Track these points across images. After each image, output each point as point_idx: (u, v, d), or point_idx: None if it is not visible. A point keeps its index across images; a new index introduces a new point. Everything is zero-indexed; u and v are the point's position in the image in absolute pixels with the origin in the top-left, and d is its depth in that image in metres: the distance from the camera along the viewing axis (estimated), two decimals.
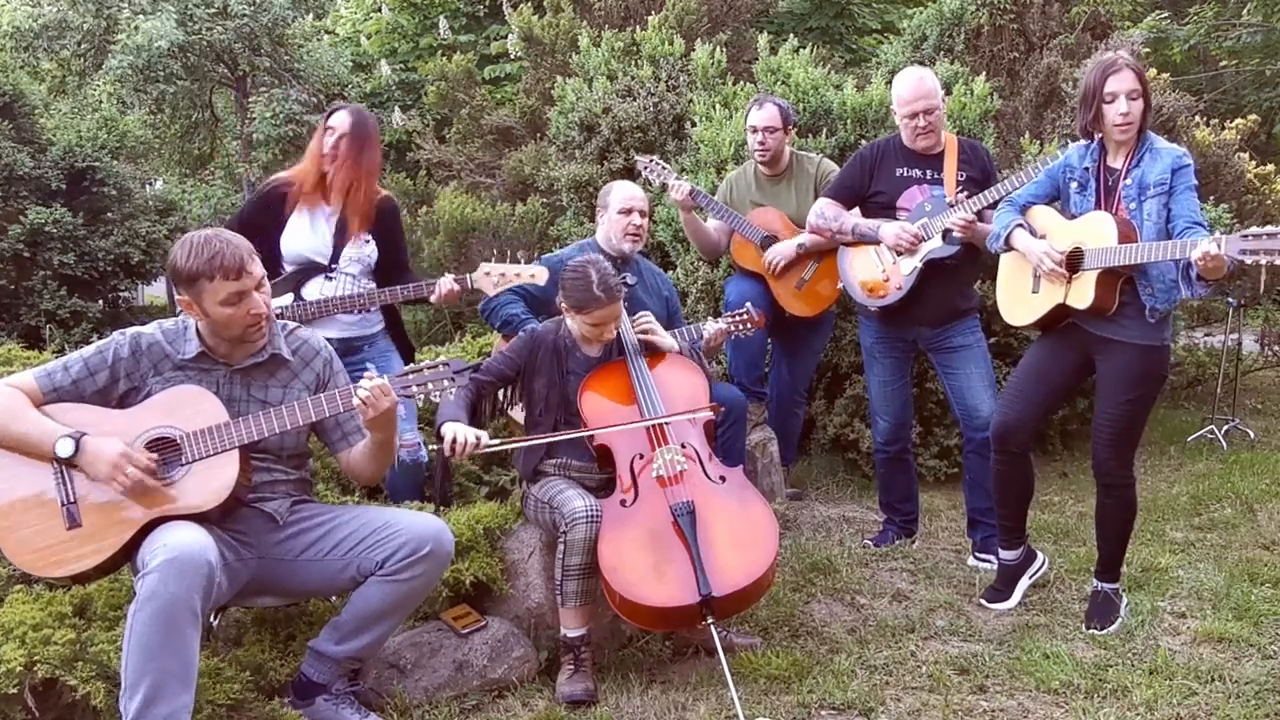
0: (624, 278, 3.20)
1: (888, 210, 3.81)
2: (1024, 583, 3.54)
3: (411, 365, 2.64)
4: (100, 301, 7.71)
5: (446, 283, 3.56)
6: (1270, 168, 8.37)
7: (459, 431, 2.83)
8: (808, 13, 11.08)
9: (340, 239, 3.53)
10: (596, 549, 2.86)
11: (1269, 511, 4.52)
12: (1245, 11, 12.00)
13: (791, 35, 6.70)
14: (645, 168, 4.52)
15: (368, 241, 3.59)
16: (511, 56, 9.93)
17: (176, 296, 2.51)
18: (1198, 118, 7.78)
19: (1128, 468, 3.25)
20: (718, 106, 5.67)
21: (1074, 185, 3.25)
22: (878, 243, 3.79)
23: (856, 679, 2.95)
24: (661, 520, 2.91)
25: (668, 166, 4.54)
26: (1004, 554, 3.54)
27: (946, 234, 3.67)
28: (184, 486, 2.44)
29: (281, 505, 2.65)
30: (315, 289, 3.53)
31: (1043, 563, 3.65)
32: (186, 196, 10.97)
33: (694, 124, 5.80)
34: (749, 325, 3.64)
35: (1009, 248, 3.33)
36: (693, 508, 2.91)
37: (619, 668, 3.07)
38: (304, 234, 3.54)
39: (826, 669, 2.99)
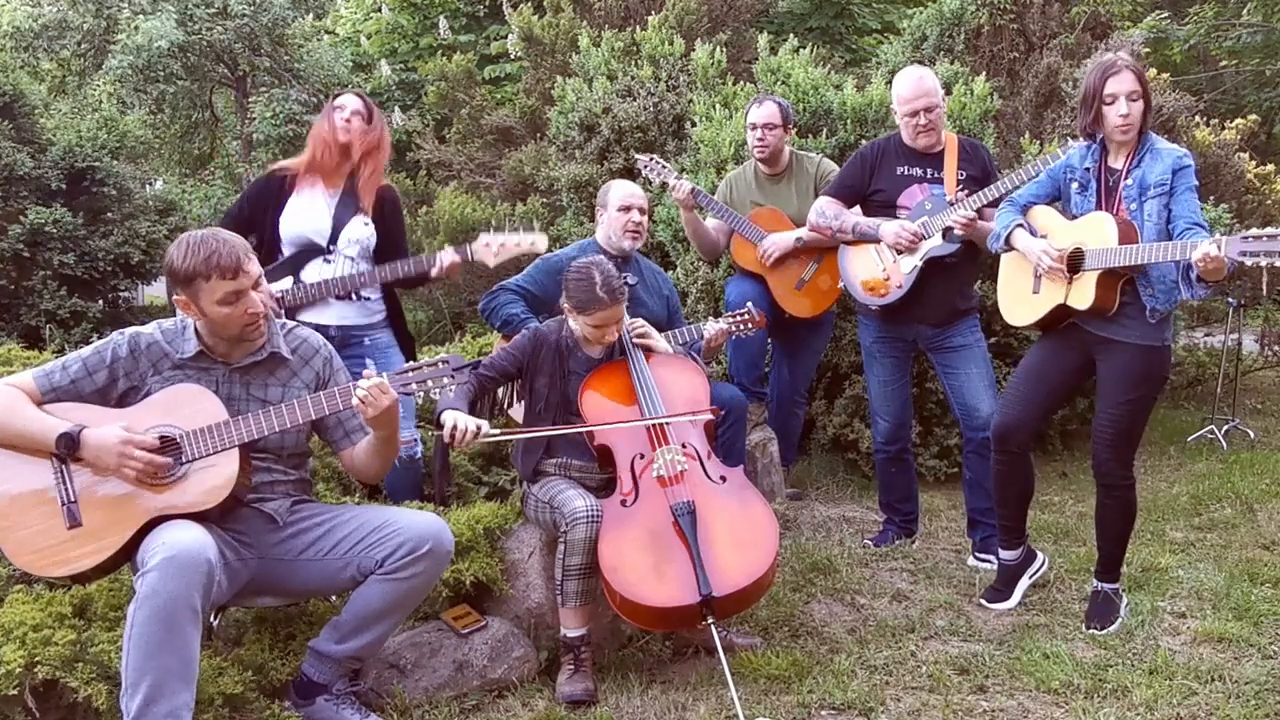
0: (625, 278, 3.20)
1: (888, 209, 3.81)
2: (1024, 583, 3.54)
3: (411, 363, 2.64)
4: (100, 301, 7.71)
5: (447, 255, 3.57)
6: (1270, 168, 8.38)
7: (459, 419, 2.82)
8: (808, 13, 11.08)
9: (341, 218, 3.53)
10: (597, 549, 2.86)
11: (1269, 511, 4.52)
12: (1245, 11, 12.00)
13: (791, 35, 6.70)
14: (645, 166, 4.52)
15: (367, 224, 3.59)
16: (511, 56, 9.93)
17: (174, 297, 2.51)
18: (1198, 118, 7.78)
19: (1128, 468, 3.26)
20: (718, 106, 5.67)
21: (1075, 186, 3.25)
22: (878, 241, 3.79)
23: (856, 679, 2.95)
24: (662, 520, 2.91)
25: (667, 165, 4.54)
26: (1004, 554, 3.54)
27: (947, 232, 3.67)
28: (184, 485, 2.44)
29: (281, 505, 2.65)
30: (314, 272, 3.52)
31: (1043, 563, 3.65)
32: (186, 196, 10.94)
33: (694, 124, 5.80)
34: (750, 325, 3.64)
35: (1009, 247, 3.33)
36: (693, 508, 2.91)
37: (619, 668, 3.07)
38: (303, 214, 3.54)
39: (826, 669, 2.99)
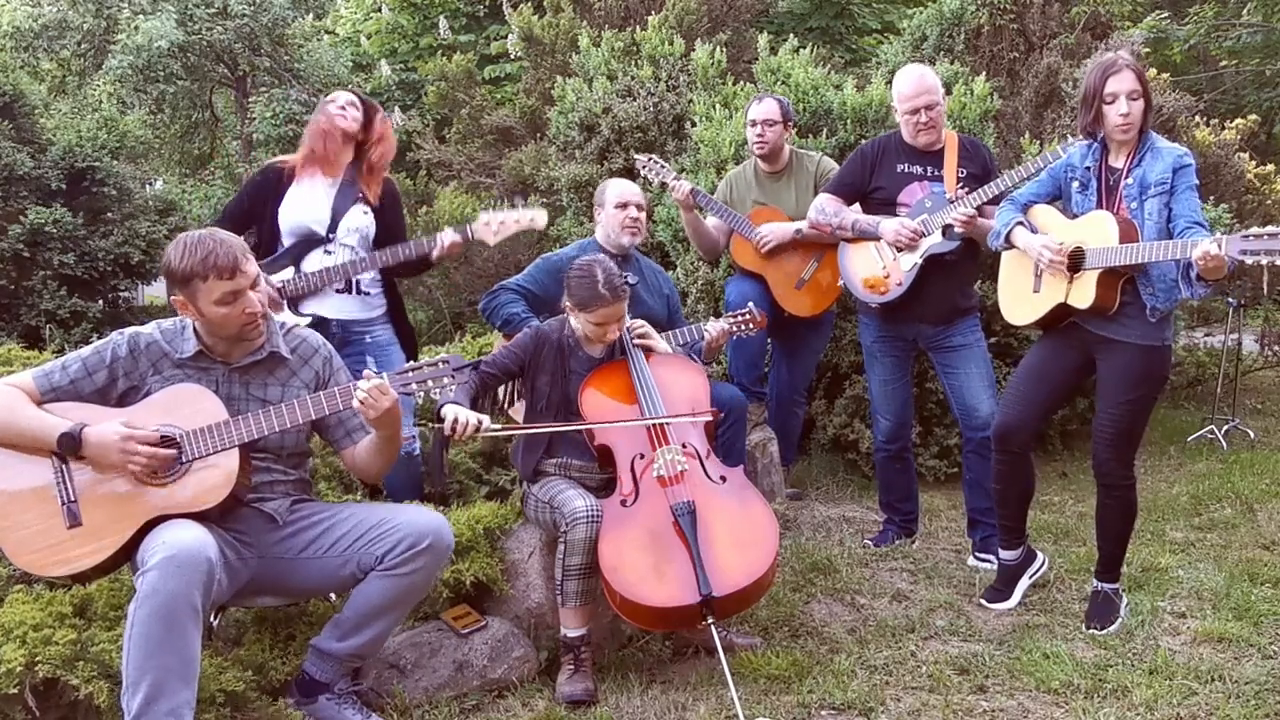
0: (625, 277, 3.20)
1: (888, 206, 3.82)
2: (1024, 583, 3.54)
3: (411, 363, 2.64)
4: (100, 301, 7.70)
5: (447, 235, 3.57)
6: (1270, 168, 8.39)
7: (460, 413, 2.81)
8: (808, 13, 11.08)
9: (341, 207, 3.54)
10: (597, 549, 2.86)
11: (1269, 511, 4.52)
12: (1245, 11, 12.01)
13: (791, 35, 6.70)
14: (644, 167, 4.52)
15: (366, 213, 3.60)
16: (511, 56, 9.94)
17: (171, 297, 2.52)
18: (1198, 118, 7.78)
19: (1128, 468, 3.25)
20: (718, 106, 5.67)
21: (1075, 185, 3.25)
22: (878, 239, 3.79)
23: (856, 679, 2.94)
24: (662, 520, 2.91)
25: (666, 165, 4.54)
26: (1004, 554, 3.54)
27: (947, 230, 3.67)
28: (184, 485, 2.44)
29: (281, 505, 2.65)
30: (315, 262, 3.53)
31: (1043, 563, 3.65)
32: (186, 196, 10.94)
33: (694, 124, 5.80)
34: (751, 325, 3.63)
35: (1010, 245, 3.33)
36: (693, 508, 2.91)
37: (619, 668, 3.07)
38: (302, 204, 3.55)
39: (826, 669, 2.99)
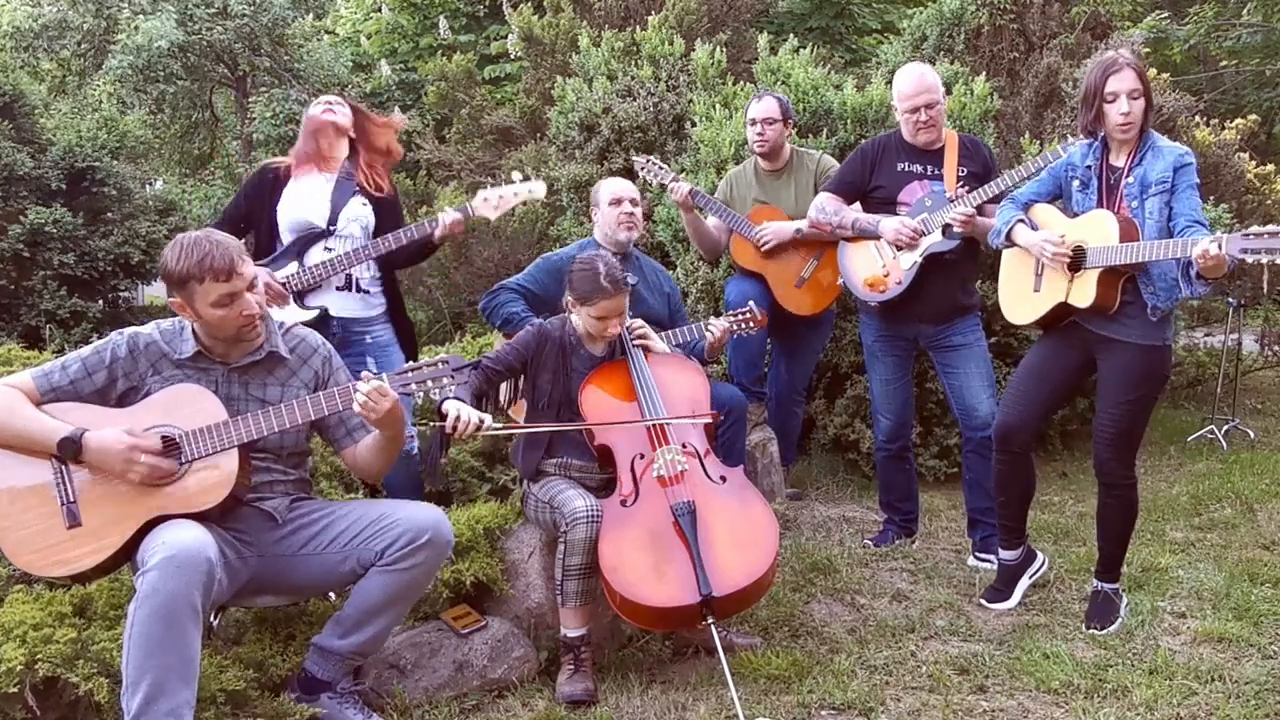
0: (626, 275, 3.21)
1: (888, 205, 3.82)
2: (1024, 583, 3.54)
3: (410, 363, 2.64)
4: (100, 301, 7.70)
5: (448, 215, 3.58)
6: (1270, 168, 8.39)
7: (463, 410, 2.80)
8: (808, 13, 11.09)
9: (339, 200, 3.55)
10: (597, 549, 2.86)
11: (1269, 511, 4.52)
12: (1245, 11, 12.01)
13: (791, 35, 6.70)
14: (643, 168, 4.52)
15: (365, 205, 3.62)
16: (511, 56, 9.94)
17: (169, 299, 2.52)
18: (1198, 118, 7.78)
19: (1129, 468, 3.25)
20: (718, 106, 5.67)
21: (1076, 184, 3.25)
22: (878, 237, 3.79)
23: (856, 679, 2.94)
24: (662, 520, 2.91)
25: (665, 167, 4.54)
26: (1004, 554, 3.54)
27: (946, 229, 3.67)
28: (184, 485, 2.43)
29: (281, 504, 2.65)
30: (318, 256, 3.54)
31: (1043, 563, 3.65)
32: (186, 196, 10.94)
33: (694, 124, 5.80)
34: (751, 324, 3.63)
35: (1010, 243, 3.33)
36: (693, 508, 2.91)
37: (619, 668, 3.07)
38: (300, 200, 3.56)
39: (826, 669, 2.99)
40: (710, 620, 2.77)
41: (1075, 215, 3.23)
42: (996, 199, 3.56)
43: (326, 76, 11.45)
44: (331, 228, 3.54)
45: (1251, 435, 6.01)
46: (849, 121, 5.30)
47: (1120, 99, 3.05)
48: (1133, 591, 3.53)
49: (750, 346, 4.37)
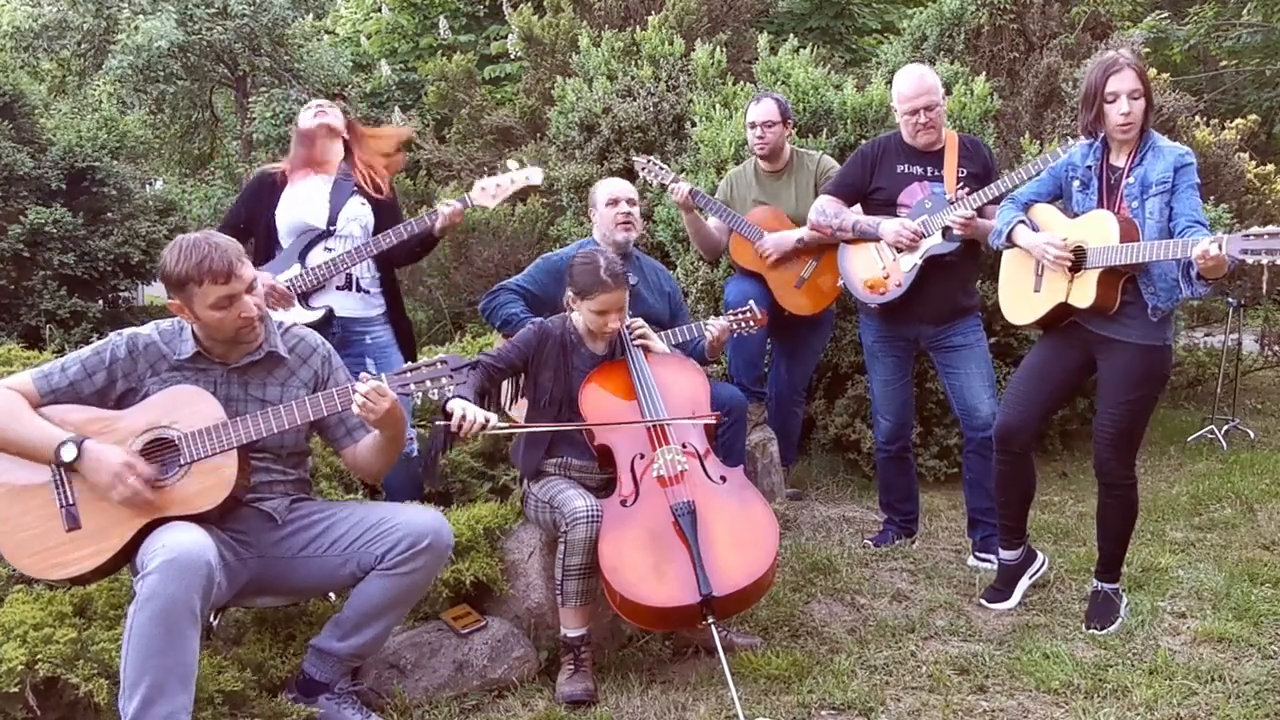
0: (626, 273, 3.22)
1: (888, 207, 3.82)
2: (1024, 583, 3.54)
3: (409, 364, 2.64)
4: (100, 301, 7.70)
5: (447, 206, 3.59)
6: (1270, 168, 8.38)
7: (469, 409, 2.81)
8: (808, 13, 11.08)
9: (338, 201, 3.57)
10: (597, 549, 2.86)
11: (1269, 511, 4.52)
12: (1245, 11, 12.01)
13: (791, 35, 6.70)
14: (643, 168, 4.52)
15: (364, 204, 3.63)
16: (511, 56, 9.94)
17: (167, 300, 2.52)
18: (1198, 118, 7.78)
19: (1129, 468, 3.25)
20: (718, 106, 5.67)
21: (1076, 184, 3.25)
22: (878, 239, 3.79)
23: (856, 679, 2.94)
24: (662, 520, 2.91)
25: (666, 167, 4.54)
26: (1004, 554, 3.54)
27: (946, 231, 3.67)
28: (183, 487, 2.43)
29: (280, 504, 2.64)
30: (319, 257, 3.54)
31: (1043, 563, 3.65)
32: (186, 196, 10.93)
33: (694, 124, 5.80)
34: (751, 322, 3.63)
35: (1011, 244, 3.33)
36: (693, 508, 2.91)
37: (619, 668, 3.07)
38: (299, 203, 3.58)
39: (826, 669, 2.99)
40: (710, 620, 2.77)
41: (1075, 215, 3.23)
42: (996, 201, 3.56)
43: (326, 76, 11.44)
44: (331, 228, 3.55)
45: (1251, 435, 6.01)
46: (849, 121, 5.30)
47: (1121, 99, 3.05)
48: (1133, 591, 3.53)
49: (750, 346, 4.37)
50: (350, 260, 3.52)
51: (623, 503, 2.97)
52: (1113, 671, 2.95)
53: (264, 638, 2.81)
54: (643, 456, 3.06)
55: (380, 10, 12.31)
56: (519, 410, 3.40)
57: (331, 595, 2.86)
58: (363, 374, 2.53)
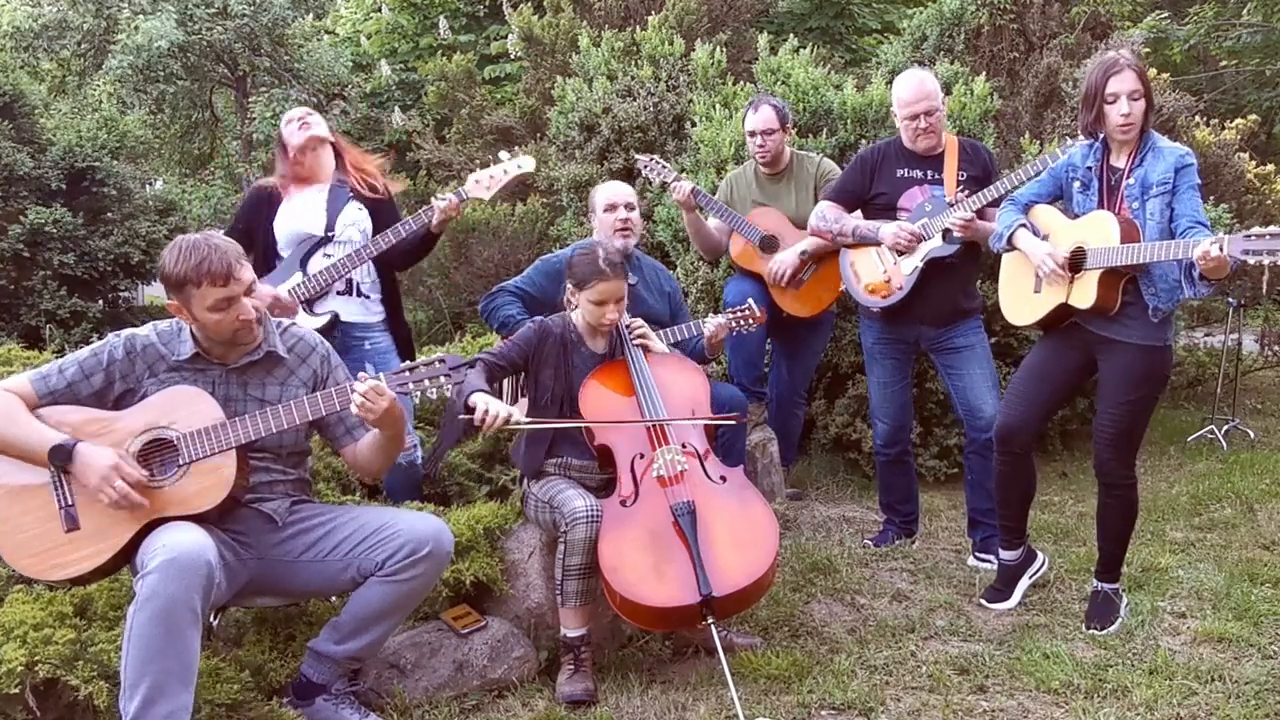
0: (626, 270, 3.22)
1: (889, 211, 3.82)
2: (1024, 583, 3.54)
3: (407, 363, 2.64)
4: (100, 301, 7.70)
5: (442, 201, 3.59)
6: (1270, 168, 8.38)
7: (491, 404, 2.80)
8: (808, 13, 11.07)
9: (335, 208, 3.58)
10: (597, 549, 2.86)
11: (1269, 511, 4.52)
12: (1245, 11, 12.01)
13: (791, 35, 6.69)
14: (645, 167, 4.52)
15: (361, 209, 3.65)
16: (511, 56, 9.93)
17: (166, 301, 2.52)
18: (1198, 118, 7.78)
19: (1129, 468, 3.25)
20: (718, 106, 5.67)
21: (1077, 185, 3.25)
22: (878, 244, 3.79)
23: (856, 679, 2.94)
24: (662, 520, 2.91)
25: (668, 166, 4.54)
26: (1004, 554, 3.54)
27: (946, 233, 3.67)
28: (181, 488, 2.43)
29: (280, 505, 2.64)
30: (319, 263, 3.55)
31: (1043, 563, 3.65)
32: (186, 196, 10.92)
33: (694, 124, 5.80)
34: (750, 321, 3.63)
35: (1011, 247, 3.33)
36: (693, 508, 2.91)
37: (619, 668, 3.07)
38: (296, 214, 3.59)
39: (826, 669, 2.99)
40: (710, 620, 2.77)
41: (1076, 216, 3.23)
42: (996, 203, 3.56)
43: (326, 76, 11.43)
44: (330, 234, 3.56)
45: (1251, 435, 6.01)
46: (849, 122, 5.30)
47: (1121, 100, 3.05)
48: (1133, 591, 3.53)
49: (749, 346, 4.37)
50: (351, 264, 3.52)
51: (623, 503, 2.97)
52: (1113, 671, 2.95)
53: (263, 639, 2.81)
54: (643, 456, 3.06)
55: (380, 10, 12.30)
56: (519, 409, 3.40)
57: (332, 597, 2.86)
58: (361, 373, 2.53)
